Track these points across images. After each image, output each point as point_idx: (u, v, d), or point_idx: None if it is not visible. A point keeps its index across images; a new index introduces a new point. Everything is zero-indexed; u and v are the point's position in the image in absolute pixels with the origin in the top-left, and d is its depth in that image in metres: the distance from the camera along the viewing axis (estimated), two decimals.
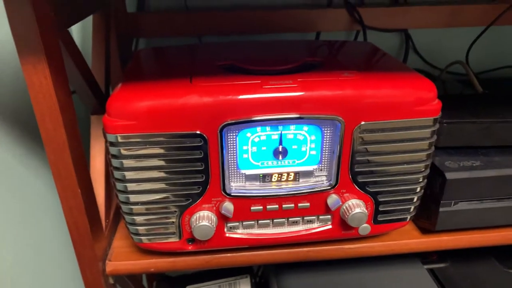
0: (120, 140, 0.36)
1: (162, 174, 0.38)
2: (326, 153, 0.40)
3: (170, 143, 0.36)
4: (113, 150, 0.37)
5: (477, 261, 0.62)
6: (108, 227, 0.48)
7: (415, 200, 0.43)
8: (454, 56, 0.73)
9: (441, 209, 0.45)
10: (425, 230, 0.48)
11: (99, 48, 0.52)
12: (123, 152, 0.36)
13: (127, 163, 0.37)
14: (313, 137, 0.39)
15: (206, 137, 0.36)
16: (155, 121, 0.35)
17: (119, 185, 0.38)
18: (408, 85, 0.38)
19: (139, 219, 0.40)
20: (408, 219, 0.45)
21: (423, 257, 0.61)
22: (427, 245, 0.48)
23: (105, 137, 0.36)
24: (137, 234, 0.41)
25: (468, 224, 0.47)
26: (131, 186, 0.38)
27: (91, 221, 0.41)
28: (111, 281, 0.47)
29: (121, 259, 0.45)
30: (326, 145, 0.39)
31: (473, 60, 0.73)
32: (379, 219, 0.43)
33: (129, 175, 0.38)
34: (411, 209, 0.44)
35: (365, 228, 0.43)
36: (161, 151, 0.37)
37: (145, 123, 0.36)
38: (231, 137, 0.38)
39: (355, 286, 0.53)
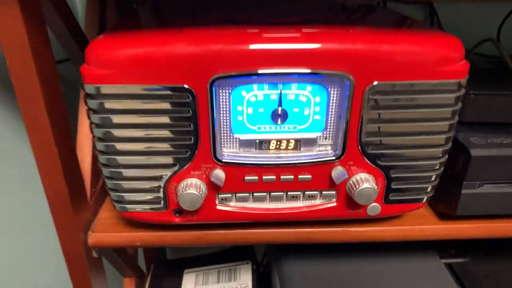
0: (99, 91, 0.32)
1: (145, 133, 0.34)
2: (332, 118, 0.35)
3: (154, 98, 0.32)
4: (91, 104, 0.33)
5: (499, 257, 0.56)
6: (95, 196, 0.44)
7: (433, 178, 0.38)
8: (483, 35, 0.67)
9: (463, 191, 0.40)
10: (444, 215, 0.43)
11: (93, 11, 0.49)
12: (102, 105, 0.33)
13: (107, 118, 0.33)
14: (317, 99, 0.34)
15: (194, 93, 0.32)
16: (137, 71, 0.31)
17: (99, 145, 0.35)
18: (430, 42, 0.33)
19: (121, 184, 0.36)
20: (424, 200, 0.39)
21: (441, 250, 0.55)
22: (445, 233, 0.43)
23: (83, 88, 0.33)
24: (120, 201, 0.37)
25: (493, 210, 0.41)
26: (112, 146, 0.34)
27: (72, 187, 0.38)
28: (94, 254, 0.43)
29: (105, 231, 0.42)
30: (332, 108, 0.35)
31: (505, 38, 0.66)
32: (390, 198, 0.38)
33: (109, 133, 0.34)
34: (428, 189, 0.39)
35: (374, 207, 0.38)
36: (144, 106, 0.33)
37: (126, 73, 0.32)
38: (223, 94, 0.33)
39: (365, 278, 0.49)
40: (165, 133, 0.34)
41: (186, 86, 0.32)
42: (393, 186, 0.38)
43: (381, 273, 0.50)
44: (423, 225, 0.43)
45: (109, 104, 0.32)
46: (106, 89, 0.32)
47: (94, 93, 0.32)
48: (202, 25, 0.34)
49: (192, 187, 0.35)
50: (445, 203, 0.42)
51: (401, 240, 0.43)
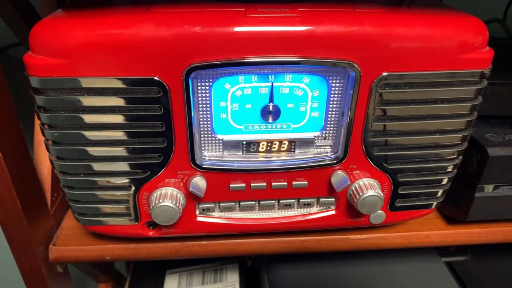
0: (47, 85, 0.26)
1: (108, 136, 0.28)
2: (333, 116, 0.30)
3: (116, 93, 0.26)
4: (39, 100, 0.26)
5: (502, 255, 0.53)
6: (57, 203, 0.38)
7: (444, 182, 0.33)
8: (488, 15, 0.62)
9: (476, 194, 0.35)
10: (452, 219, 0.39)
11: None
12: (53, 103, 0.26)
13: (58, 118, 0.27)
14: (316, 93, 0.29)
15: (166, 86, 0.26)
16: (94, 60, 0.25)
17: (53, 149, 0.28)
18: (450, 24, 0.28)
19: (82, 194, 0.30)
20: (433, 206, 0.35)
21: (440, 248, 0.51)
22: (453, 238, 0.39)
23: (28, 82, 0.26)
24: (83, 214, 0.32)
25: (509, 214, 0.37)
26: (67, 152, 0.28)
27: (25, 197, 0.32)
28: (59, 269, 0.38)
29: (70, 244, 0.36)
30: (333, 104, 0.29)
31: None
32: (397, 205, 0.34)
33: (63, 136, 0.28)
34: (439, 193, 0.34)
35: (378, 215, 0.33)
36: (105, 102, 0.27)
37: (82, 63, 0.25)
38: (203, 88, 0.28)
39: (361, 280, 0.45)
40: (132, 135, 0.28)
41: (156, 78, 0.26)
42: (400, 192, 0.33)
43: (378, 273, 0.46)
44: (429, 230, 0.38)
45: (60, 101, 0.26)
46: (55, 82, 0.26)
47: (40, 87, 0.26)
48: (176, 2, 0.28)
49: (167, 198, 0.29)
50: (454, 207, 0.38)
51: (405, 247, 0.39)
